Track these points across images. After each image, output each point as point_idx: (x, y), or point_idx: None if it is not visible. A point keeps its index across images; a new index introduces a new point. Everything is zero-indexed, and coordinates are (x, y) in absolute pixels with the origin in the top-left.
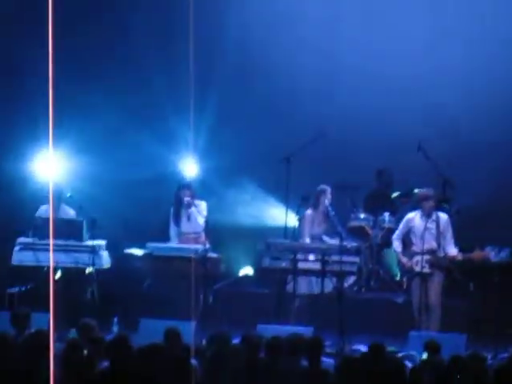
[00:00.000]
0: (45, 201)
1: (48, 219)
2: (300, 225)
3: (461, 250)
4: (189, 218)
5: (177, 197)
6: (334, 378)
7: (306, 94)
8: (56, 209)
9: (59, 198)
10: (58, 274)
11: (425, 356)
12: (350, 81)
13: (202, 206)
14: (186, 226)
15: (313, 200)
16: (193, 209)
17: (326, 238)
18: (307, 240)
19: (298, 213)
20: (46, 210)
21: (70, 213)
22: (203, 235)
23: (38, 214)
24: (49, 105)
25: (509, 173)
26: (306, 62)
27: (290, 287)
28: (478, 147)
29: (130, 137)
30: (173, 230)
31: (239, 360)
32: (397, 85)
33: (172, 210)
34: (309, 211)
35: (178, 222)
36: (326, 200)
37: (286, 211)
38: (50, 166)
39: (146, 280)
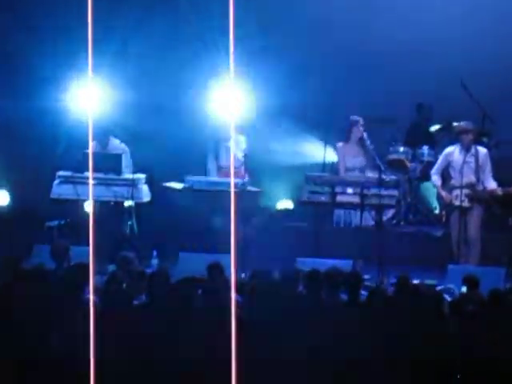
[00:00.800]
0: (93, 138)
1: (88, 153)
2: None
3: (500, 184)
4: (228, 152)
5: (216, 130)
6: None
7: (343, 25)
8: (105, 145)
9: (106, 134)
10: (97, 208)
11: (463, 290)
12: (388, 12)
13: (241, 139)
14: (224, 160)
15: (345, 132)
16: (232, 142)
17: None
18: (342, 173)
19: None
20: (95, 147)
21: (120, 146)
22: (242, 169)
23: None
24: (88, 33)
25: None
26: None
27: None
28: None
29: (169, 68)
30: (211, 164)
31: (279, 293)
32: (434, 16)
33: (211, 143)
34: (340, 144)
35: (217, 156)
36: (359, 131)
37: (325, 146)
38: (90, 96)
39: (184, 213)
